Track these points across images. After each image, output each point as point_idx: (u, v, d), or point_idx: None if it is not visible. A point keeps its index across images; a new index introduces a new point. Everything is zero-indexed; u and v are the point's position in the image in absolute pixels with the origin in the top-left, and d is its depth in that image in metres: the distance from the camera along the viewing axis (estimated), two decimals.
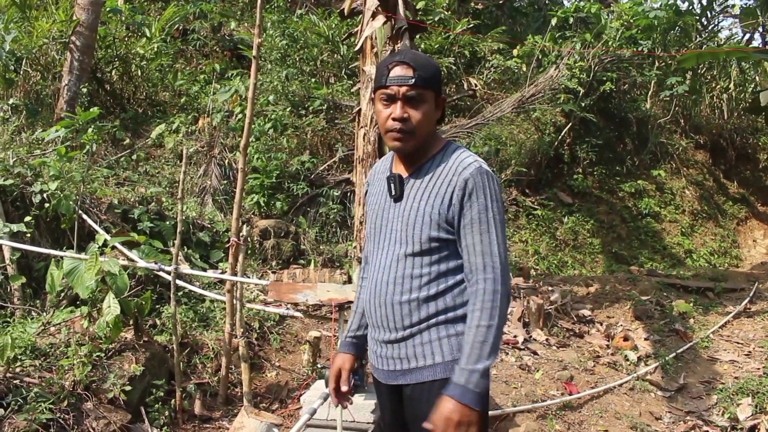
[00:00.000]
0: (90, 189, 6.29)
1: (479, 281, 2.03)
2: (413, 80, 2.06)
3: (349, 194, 8.62)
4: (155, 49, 10.17)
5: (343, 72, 10.82)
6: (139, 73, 9.91)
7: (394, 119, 2.09)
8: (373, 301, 2.19)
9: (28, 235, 5.28)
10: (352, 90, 7.98)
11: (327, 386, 2.38)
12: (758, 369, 5.92)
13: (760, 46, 14.77)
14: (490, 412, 4.65)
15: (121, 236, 4.93)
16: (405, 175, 2.19)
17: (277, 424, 3.99)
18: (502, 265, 2.05)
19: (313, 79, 10.63)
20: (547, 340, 6.25)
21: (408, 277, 2.11)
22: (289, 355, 5.41)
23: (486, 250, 2.04)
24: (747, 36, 15.75)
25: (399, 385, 2.19)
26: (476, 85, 11.63)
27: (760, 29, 15.32)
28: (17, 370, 3.97)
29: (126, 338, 4.46)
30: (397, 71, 2.08)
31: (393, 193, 2.18)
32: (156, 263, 4.72)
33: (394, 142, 2.13)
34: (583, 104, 11.35)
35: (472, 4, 14.01)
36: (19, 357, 4.07)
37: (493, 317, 1.99)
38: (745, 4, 15.49)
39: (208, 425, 4.47)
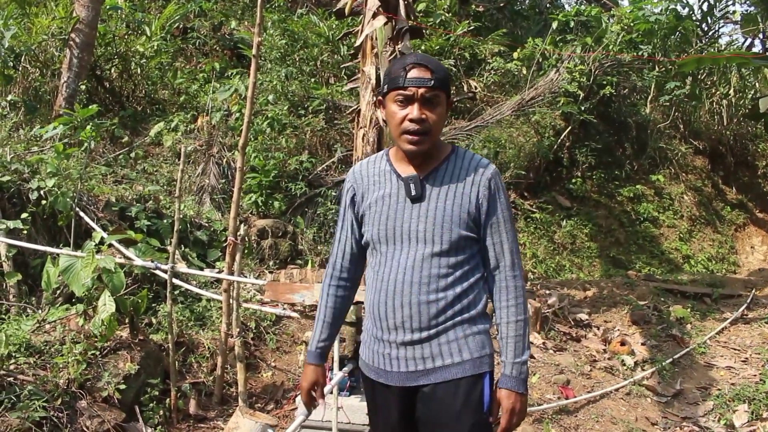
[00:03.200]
0: (87, 186, 6.27)
1: (509, 278, 2.19)
2: (432, 82, 2.11)
3: None
4: (155, 48, 10.15)
5: (342, 72, 10.81)
6: (139, 71, 9.89)
7: (411, 120, 2.12)
8: (393, 303, 2.17)
9: (25, 232, 5.26)
10: (344, 89, 7.94)
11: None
12: (755, 375, 5.90)
13: (761, 52, 14.77)
14: None
15: (118, 234, 4.91)
16: (419, 175, 2.21)
17: (272, 425, 3.97)
18: (521, 261, 2.24)
19: (312, 79, 10.61)
20: (544, 343, 6.24)
21: (435, 276, 2.14)
22: (285, 356, 5.39)
23: (512, 247, 2.20)
24: (747, 42, 15.76)
25: (414, 387, 2.18)
26: (476, 88, 11.62)
27: (761, 36, 15.32)
28: (11, 367, 3.95)
29: (121, 337, 4.44)
30: (416, 73, 2.11)
31: (413, 193, 2.17)
32: (153, 261, 4.69)
33: (410, 144, 2.15)
34: (582, 108, 11.34)
35: (473, 6, 14.01)
36: (14, 354, 4.05)
37: (525, 311, 2.19)
38: (746, 10, 15.50)
39: (202, 425, 4.45)
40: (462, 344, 2.15)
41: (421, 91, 2.10)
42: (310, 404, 2.45)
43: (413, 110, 2.11)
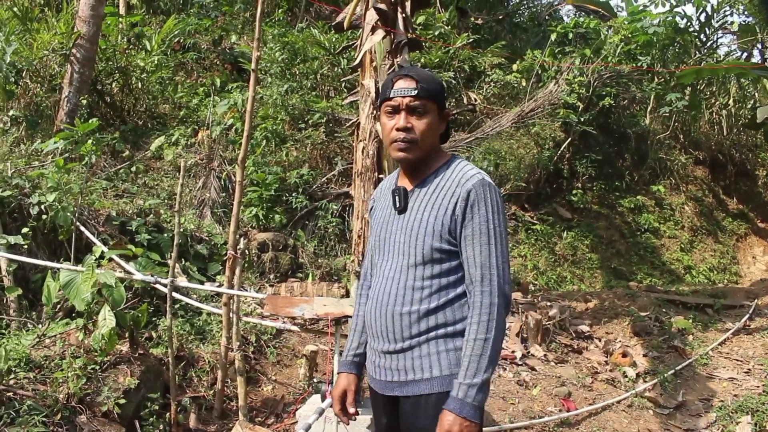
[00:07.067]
0: (88, 201, 6.28)
1: (477, 293, 2.06)
2: (416, 91, 2.15)
3: (347, 208, 8.62)
4: (155, 62, 10.20)
5: (343, 85, 10.86)
6: (140, 86, 9.92)
7: (398, 129, 2.17)
8: (375, 311, 2.23)
9: (26, 246, 5.26)
10: (343, 102, 7.99)
11: (331, 405, 2.36)
12: (758, 387, 5.88)
13: (759, 62, 14.82)
14: (487, 429, 4.62)
15: (119, 248, 4.91)
16: (409, 188, 2.24)
17: None
18: (500, 277, 2.07)
19: (313, 93, 10.65)
20: (545, 355, 6.22)
21: (410, 288, 2.14)
22: (286, 369, 5.38)
23: (485, 262, 2.07)
24: (746, 53, 15.82)
25: (396, 396, 2.20)
26: (476, 100, 11.66)
27: (759, 46, 15.38)
28: (11, 382, 3.94)
29: (121, 351, 4.43)
30: (401, 83, 2.18)
31: (397, 205, 2.23)
32: (153, 276, 4.69)
33: (398, 152, 2.19)
34: (582, 119, 11.37)
35: (472, 18, 14.09)
36: (13, 369, 4.04)
37: (489, 330, 2.02)
38: (744, 21, 15.56)
39: None
40: (434, 360, 2.11)
41: (405, 100, 2.16)
42: (342, 414, 2.37)
43: (399, 119, 2.17)
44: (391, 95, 2.18)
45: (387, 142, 2.24)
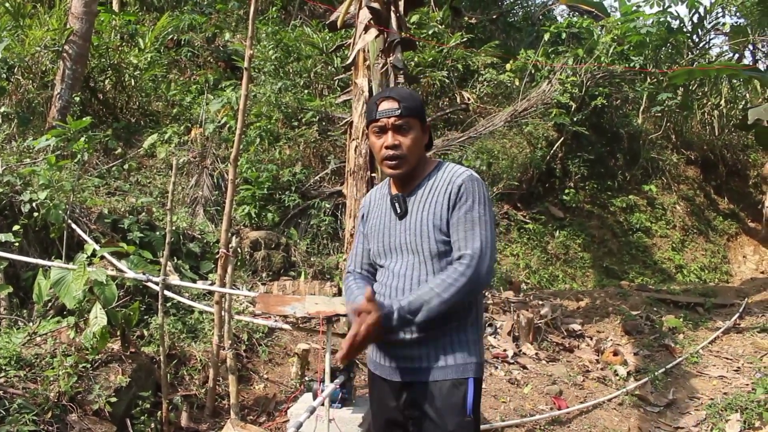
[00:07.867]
0: (80, 198, 6.26)
1: (455, 264, 2.25)
2: (399, 111, 2.35)
3: (340, 206, 8.61)
4: (149, 59, 10.17)
5: (336, 84, 10.85)
6: (133, 83, 9.89)
7: (386, 147, 2.37)
8: None
9: (17, 244, 5.24)
10: (337, 101, 7.98)
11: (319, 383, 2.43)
12: (747, 385, 5.92)
13: (750, 63, 14.89)
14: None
15: (110, 246, 4.90)
16: (405, 194, 2.43)
17: None
18: (481, 258, 2.22)
19: (306, 91, 10.64)
20: (536, 354, 6.24)
21: (423, 282, 2.31)
22: (278, 368, 5.38)
23: (468, 244, 2.26)
24: (737, 55, 15.89)
25: (404, 382, 2.35)
26: (469, 99, 11.67)
27: (750, 47, 15.45)
28: (1, 380, 3.93)
29: (113, 349, 4.42)
30: (385, 105, 2.38)
31: (398, 211, 2.41)
32: (144, 274, 4.68)
33: (390, 169, 2.39)
34: (575, 119, 11.40)
35: (466, 18, 14.09)
36: (4, 367, 4.03)
37: (446, 291, 2.18)
38: (735, 22, 15.64)
39: None
40: (448, 350, 2.28)
41: (390, 120, 2.36)
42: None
43: (387, 138, 2.37)
44: (377, 117, 2.37)
45: (378, 160, 2.45)
